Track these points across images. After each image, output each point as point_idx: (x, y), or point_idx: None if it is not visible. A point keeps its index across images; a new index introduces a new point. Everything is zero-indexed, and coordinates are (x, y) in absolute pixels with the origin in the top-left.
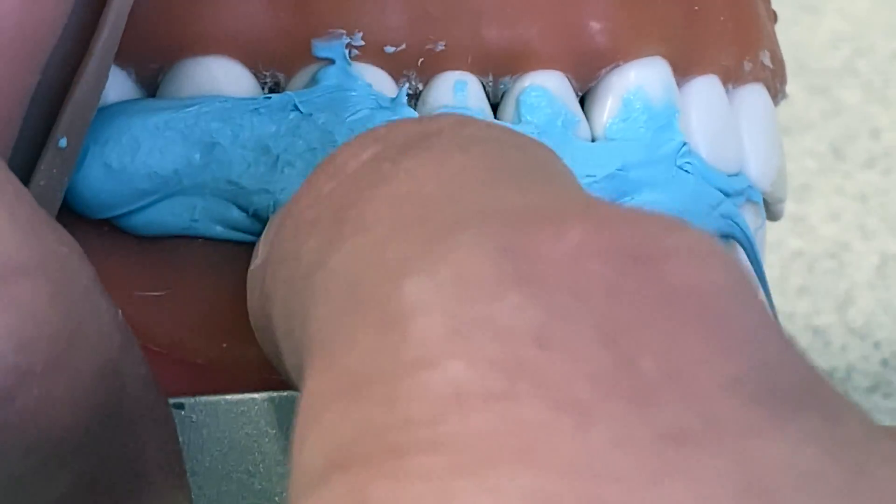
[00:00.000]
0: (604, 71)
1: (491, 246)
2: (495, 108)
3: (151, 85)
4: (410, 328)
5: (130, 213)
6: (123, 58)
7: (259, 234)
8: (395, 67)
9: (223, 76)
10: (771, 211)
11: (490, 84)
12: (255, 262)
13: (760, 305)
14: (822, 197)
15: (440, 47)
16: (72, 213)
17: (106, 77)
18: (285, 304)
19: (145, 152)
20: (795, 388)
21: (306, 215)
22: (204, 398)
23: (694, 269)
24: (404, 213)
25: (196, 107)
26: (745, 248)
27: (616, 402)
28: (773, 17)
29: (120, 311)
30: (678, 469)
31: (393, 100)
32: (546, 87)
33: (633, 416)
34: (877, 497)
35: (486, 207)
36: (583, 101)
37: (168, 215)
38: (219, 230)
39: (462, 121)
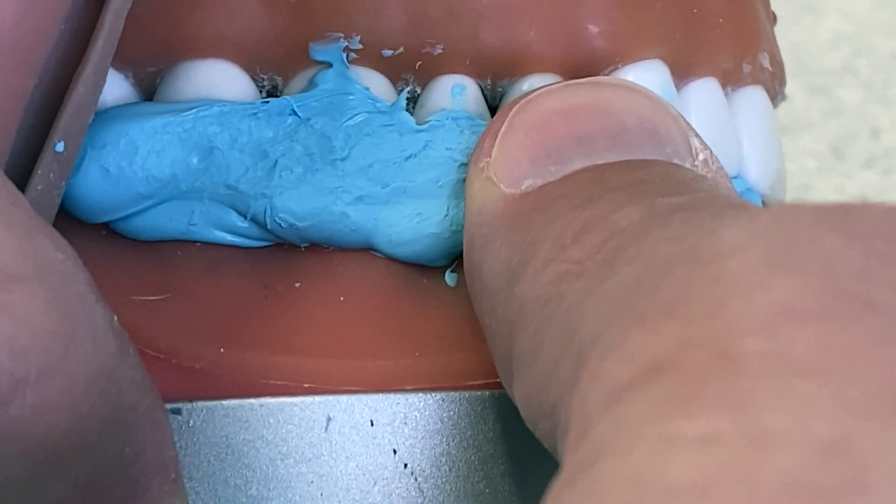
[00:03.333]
0: (603, 74)
1: (804, 206)
2: (493, 110)
3: (149, 88)
4: (731, 262)
5: (128, 217)
6: (121, 61)
7: (256, 239)
8: (393, 71)
9: (221, 79)
10: None
11: (488, 87)
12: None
13: None
14: (822, 197)
15: (438, 50)
16: (69, 218)
17: (103, 81)
18: (536, 335)
19: (143, 156)
20: None
21: (571, 269)
22: (201, 403)
23: None
24: (687, 238)
25: (194, 111)
26: None
27: None
28: (773, 18)
29: (115, 317)
30: None
31: (391, 104)
32: None
33: None
34: None
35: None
36: None
37: (166, 219)
38: (216, 234)
39: (715, 194)
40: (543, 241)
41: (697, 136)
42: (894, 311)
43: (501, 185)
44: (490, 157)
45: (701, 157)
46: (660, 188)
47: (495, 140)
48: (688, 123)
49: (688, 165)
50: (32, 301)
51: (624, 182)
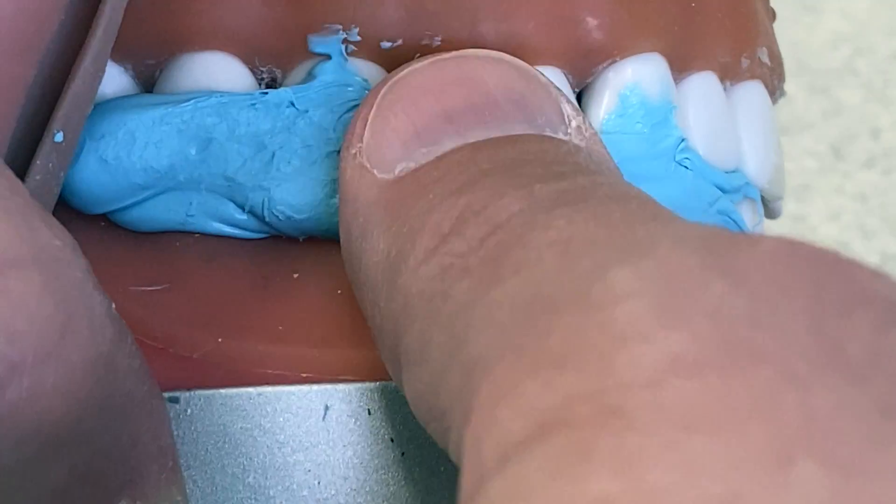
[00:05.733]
0: (600, 67)
1: (692, 245)
2: None
3: (148, 80)
4: (619, 310)
5: (126, 207)
6: (120, 53)
7: (254, 230)
8: (392, 63)
9: (220, 71)
10: (769, 209)
11: None
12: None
13: None
14: (822, 197)
15: (436, 42)
16: (68, 208)
17: (102, 72)
18: (422, 334)
19: (141, 147)
20: None
21: (455, 263)
22: (199, 392)
23: (878, 278)
24: (573, 249)
25: (192, 102)
26: None
27: (831, 376)
28: (772, 14)
29: (113, 304)
30: None
31: None
32: None
33: (849, 388)
34: None
35: (669, 234)
36: (579, 97)
37: (163, 210)
38: (214, 225)
39: (596, 182)
40: (422, 231)
41: (570, 102)
42: (779, 360)
43: (375, 171)
44: (362, 143)
45: (574, 124)
46: (536, 170)
47: (366, 124)
48: (559, 89)
49: (560, 135)
50: (29, 286)
51: (498, 163)
